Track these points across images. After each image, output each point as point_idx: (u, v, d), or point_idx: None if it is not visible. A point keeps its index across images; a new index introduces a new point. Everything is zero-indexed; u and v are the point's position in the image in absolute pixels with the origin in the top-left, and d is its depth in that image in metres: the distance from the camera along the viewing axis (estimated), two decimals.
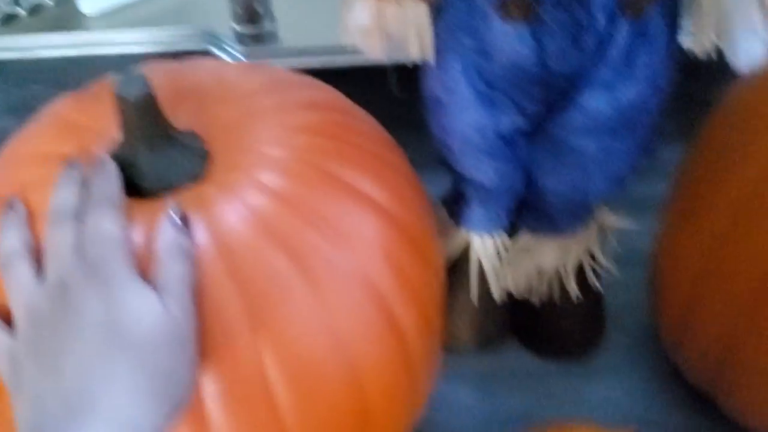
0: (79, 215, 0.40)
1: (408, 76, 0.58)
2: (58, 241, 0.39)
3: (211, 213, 0.43)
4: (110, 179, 0.42)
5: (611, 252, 0.68)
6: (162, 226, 0.41)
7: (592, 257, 0.68)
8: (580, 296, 0.66)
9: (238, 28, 0.78)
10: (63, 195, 0.42)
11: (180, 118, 0.47)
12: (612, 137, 0.55)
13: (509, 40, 0.50)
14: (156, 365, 0.35)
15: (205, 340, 0.40)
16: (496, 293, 0.67)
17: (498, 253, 0.66)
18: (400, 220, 0.49)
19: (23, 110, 0.52)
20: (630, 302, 0.73)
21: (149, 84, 0.43)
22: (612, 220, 0.67)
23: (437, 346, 0.54)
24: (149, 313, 0.36)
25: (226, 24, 0.79)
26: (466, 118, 0.55)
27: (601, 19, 0.49)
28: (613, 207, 0.67)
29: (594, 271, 0.68)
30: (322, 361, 0.43)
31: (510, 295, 0.69)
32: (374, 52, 0.53)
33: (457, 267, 0.67)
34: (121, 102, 0.42)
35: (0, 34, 0.87)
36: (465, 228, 0.66)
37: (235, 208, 0.43)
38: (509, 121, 0.56)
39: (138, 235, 0.41)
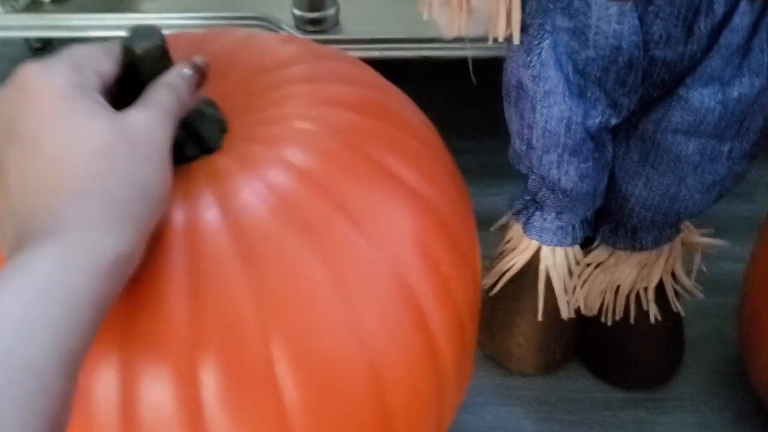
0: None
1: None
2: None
3: (224, 187, 0.37)
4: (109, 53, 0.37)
5: (696, 274, 0.62)
6: (170, 69, 0.37)
7: (674, 278, 0.61)
8: (660, 318, 0.59)
9: (298, 12, 0.73)
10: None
11: (192, 99, 0.42)
12: (715, 138, 0.49)
13: (610, 21, 0.45)
14: (112, 178, 0.31)
15: (206, 323, 0.35)
16: (564, 311, 0.61)
17: (569, 267, 0.60)
18: (438, 213, 0.43)
19: None
20: (712, 330, 0.67)
21: (162, 36, 0.37)
22: (699, 238, 0.61)
23: (469, 356, 0.48)
24: (101, 124, 0.32)
25: (287, 9, 0.75)
26: (551, 109, 0.49)
27: (720, 1, 0.43)
28: (699, 225, 0.61)
29: (675, 293, 0.61)
30: (339, 360, 0.37)
31: (579, 315, 0.62)
32: (452, 27, 0.47)
33: (524, 280, 0.62)
34: (129, 54, 0.37)
35: (52, 12, 0.84)
36: (535, 238, 0.60)
37: (252, 185, 0.38)
38: (598, 115, 0.50)
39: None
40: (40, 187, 0.30)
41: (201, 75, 0.38)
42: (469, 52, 0.55)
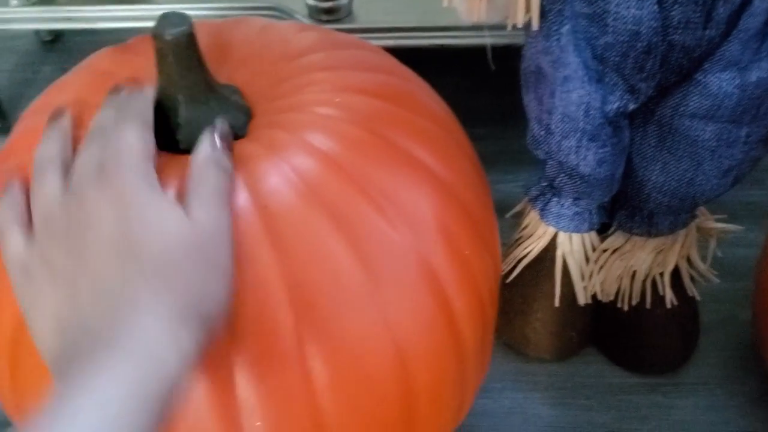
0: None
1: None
2: (84, 154, 0.36)
3: (252, 172, 0.38)
4: (144, 99, 0.38)
5: (711, 259, 0.62)
6: (200, 143, 0.37)
7: (690, 263, 0.62)
8: (675, 301, 0.60)
9: (312, 2, 0.73)
10: (103, 115, 0.38)
11: (222, 74, 0.43)
12: (732, 123, 0.49)
13: (630, 7, 0.45)
14: (180, 283, 0.31)
15: (238, 304, 0.35)
16: (581, 297, 0.61)
17: (586, 253, 0.61)
18: (458, 197, 0.44)
19: None
20: (726, 315, 0.67)
21: (190, 23, 0.38)
22: (714, 223, 0.61)
23: (489, 339, 0.49)
24: (169, 225, 0.32)
25: None
26: (570, 95, 0.49)
27: None
28: (713, 211, 0.61)
29: (691, 278, 0.62)
30: (365, 340, 0.38)
31: (595, 301, 0.63)
32: (471, 13, 0.48)
33: (540, 267, 0.62)
34: (159, 40, 0.37)
35: (65, 4, 0.84)
36: (552, 224, 0.60)
37: (279, 169, 0.38)
38: (617, 100, 0.50)
39: (170, 191, 0.36)
40: (111, 287, 0.31)
41: (230, 139, 0.39)
42: (487, 39, 0.56)
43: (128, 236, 0.31)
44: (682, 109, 0.49)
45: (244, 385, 0.36)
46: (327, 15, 0.74)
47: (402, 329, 0.39)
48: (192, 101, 0.39)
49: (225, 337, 0.35)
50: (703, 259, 0.62)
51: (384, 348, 0.39)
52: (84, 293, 0.31)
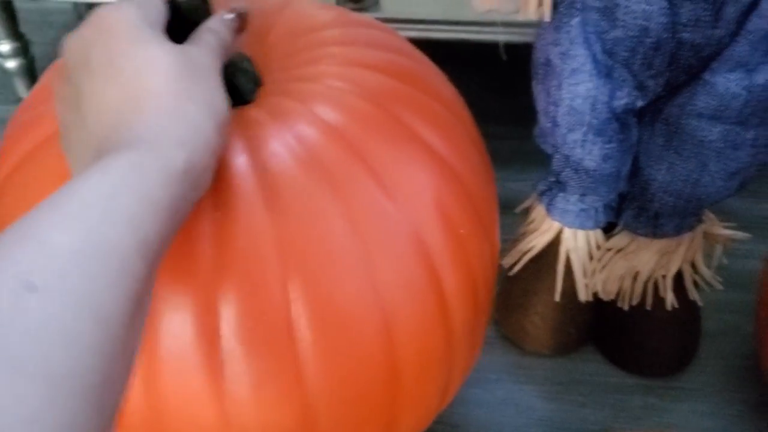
0: None
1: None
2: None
3: (255, 137, 0.39)
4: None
5: (716, 267, 0.62)
6: (210, 19, 0.39)
7: (694, 268, 0.62)
8: (676, 304, 0.60)
9: None
10: None
11: (235, 42, 0.43)
12: (739, 124, 0.49)
13: (640, 2, 0.45)
14: (189, 86, 0.34)
15: (229, 259, 0.36)
16: (582, 293, 0.62)
17: (590, 250, 0.61)
18: (459, 177, 0.44)
19: None
20: (730, 325, 0.67)
21: None
22: (721, 230, 0.61)
23: (482, 322, 0.49)
24: (160, 51, 0.34)
25: None
26: (577, 87, 0.50)
27: None
28: (726, 221, 0.61)
29: (695, 283, 0.62)
30: (353, 306, 0.39)
31: (596, 299, 0.63)
32: (486, 2, 0.48)
33: (544, 261, 0.62)
34: (172, 4, 0.39)
35: None
36: (557, 219, 0.60)
37: (282, 136, 0.40)
38: (625, 96, 0.50)
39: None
40: (117, 106, 0.33)
41: (241, 20, 0.41)
42: (500, 36, 0.56)
43: (135, 58, 0.33)
44: (689, 108, 0.50)
45: (230, 338, 0.37)
46: (354, 4, 0.75)
47: (390, 297, 0.40)
48: None
49: (215, 288, 0.36)
50: (709, 266, 0.62)
51: (371, 316, 0.39)
52: (95, 112, 0.33)
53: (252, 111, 0.41)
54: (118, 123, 0.32)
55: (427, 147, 0.43)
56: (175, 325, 0.36)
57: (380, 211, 0.40)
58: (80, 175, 0.29)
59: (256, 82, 0.43)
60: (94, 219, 0.27)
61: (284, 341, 0.37)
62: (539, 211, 0.62)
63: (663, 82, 0.49)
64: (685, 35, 0.46)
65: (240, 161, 0.38)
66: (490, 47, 0.68)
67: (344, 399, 0.40)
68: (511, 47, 0.61)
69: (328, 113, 0.41)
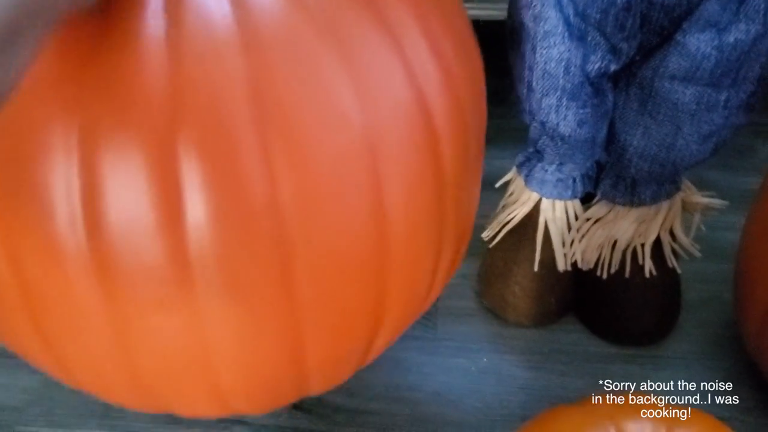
0: None
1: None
2: None
3: None
4: None
5: (697, 238, 0.62)
6: None
7: (673, 236, 0.62)
8: (654, 272, 0.60)
9: None
10: None
11: None
12: (712, 86, 0.50)
13: None
14: None
15: (189, 97, 0.33)
16: (561, 263, 0.62)
17: (568, 221, 0.61)
18: (446, 11, 0.42)
19: None
20: (711, 295, 0.67)
21: None
22: (699, 198, 0.61)
23: (476, 177, 0.46)
24: None
25: None
26: (551, 50, 0.50)
27: None
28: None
29: (674, 252, 0.62)
30: (341, 164, 0.35)
31: (576, 269, 0.63)
32: None
33: (523, 232, 0.63)
34: None
35: None
36: (535, 190, 0.61)
37: None
38: (598, 60, 0.51)
39: None
40: None
41: None
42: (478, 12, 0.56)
43: None
44: (662, 70, 0.50)
45: (188, 166, 0.33)
46: None
47: (379, 135, 0.37)
48: None
49: (171, 129, 0.33)
50: (689, 234, 0.62)
51: (358, 154, 0.36)
52: None
53: None
54: None
55: None
56: (122, 180, 0.33)
57: (368, 41, 0.37)
58: None
59: None
60: None
61: (260, 193, 0.34)
62: (518, 183, 0.63)
63: (636, 44, 0.50)
64: None
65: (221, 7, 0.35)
66: (477, 27, 0.68)
67: (331, 271, 0.37)
68: (489, 24, 0.61)
69: None
